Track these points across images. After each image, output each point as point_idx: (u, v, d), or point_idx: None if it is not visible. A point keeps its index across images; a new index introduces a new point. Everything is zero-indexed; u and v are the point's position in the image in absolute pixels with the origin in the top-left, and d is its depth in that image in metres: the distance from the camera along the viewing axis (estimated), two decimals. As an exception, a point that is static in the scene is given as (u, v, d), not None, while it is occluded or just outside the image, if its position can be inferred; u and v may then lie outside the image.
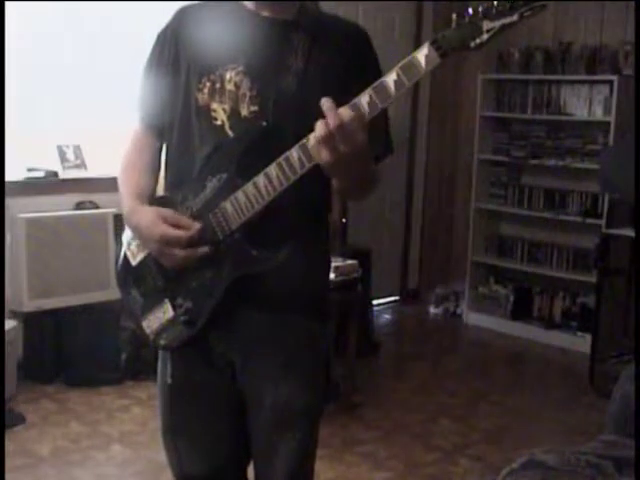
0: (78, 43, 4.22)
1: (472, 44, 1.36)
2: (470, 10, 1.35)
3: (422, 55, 1.37)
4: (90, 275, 4.17)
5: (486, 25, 1.34)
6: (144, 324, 1.72)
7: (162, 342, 1.71)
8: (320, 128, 1.38)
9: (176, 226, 1.58)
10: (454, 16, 1.36)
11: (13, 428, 3.54)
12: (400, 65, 1.39)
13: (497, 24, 1.34)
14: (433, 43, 1.36)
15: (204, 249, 1.58)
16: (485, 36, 1.35)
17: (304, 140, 1.47)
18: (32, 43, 4.09)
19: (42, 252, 4.05)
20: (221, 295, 1.61)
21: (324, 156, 1.40)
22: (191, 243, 1.58)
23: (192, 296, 1.64)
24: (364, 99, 1.42)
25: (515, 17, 1.33)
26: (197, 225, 1.58)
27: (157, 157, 1.78)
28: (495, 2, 1.33)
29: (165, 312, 1.68)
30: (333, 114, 1.37)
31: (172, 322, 1.68)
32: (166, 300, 1.68)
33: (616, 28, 5.11)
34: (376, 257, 5.29)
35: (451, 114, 6.15)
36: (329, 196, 1.77)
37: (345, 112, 1.38)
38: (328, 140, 1.38)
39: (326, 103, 1.38)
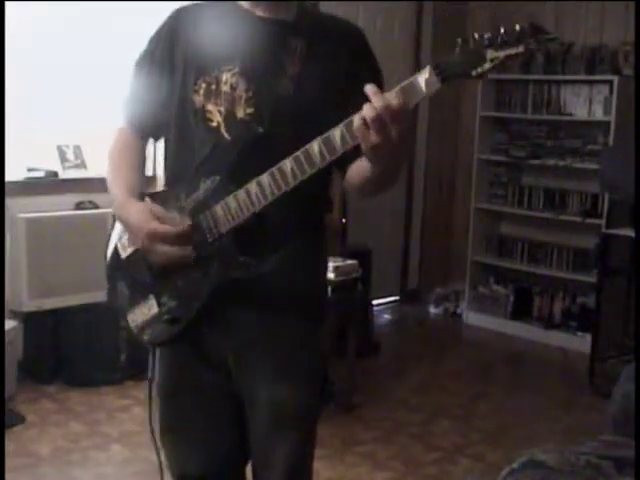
0: (78, 43, 4.21)
1: (474, 72, 1.33)
2: (476, 36, 1.31)
3: (423, 79, 1.35)
4: (90, 275, 4.16)
5: (490, 54, 1.31)
6: (129, 317, 1.73)
7: (145, 337, 1.72)
8: (369, 110, 1.35)
9: (164, 221, 1.58)
10: (459, 41, 1.33)
11: (13, 428, 3.54)
12: (401, 86, 1.37)
13: (501, 54, 1.30)
14: (435, 68, 1.34)
15: (189, 250, 1.57)
16: (487, 65, 1.31)
17: (297, 152, 1.46)
18: (32, 43, 4.09)
19: (42, 252, 4.05)
20: (207, 298, 1.61)
21: (373, 139, 1.36)
22: (179, 241, 1.57)
23: (177, 295, 1.64)
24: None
25: (521, 49, 1.29)
26: (186, 222, 1.58)
27: (142, 156, 1.79)
28: (502, 30, 1.29)
29: (150, 308, 1.69)
30: (379, 97, 1.35)
31: (156, 319, 1.68)
32: (152, 296, 1.68)
33: (616, 28, 5.10)
34: (376, 257, 5.29)
35: (451, 114, 6.15)
36: (327, 199, 1.77)
37: (390, 96, 1.36)
38: (377, 122, 1.35)
39: (371, 88, 1.36)
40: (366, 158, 1.45)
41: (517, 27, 1.29)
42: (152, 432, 1.79)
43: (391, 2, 5.68)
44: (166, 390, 1.79)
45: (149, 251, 1.61)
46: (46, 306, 4.08)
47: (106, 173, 1.75)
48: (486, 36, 1.31)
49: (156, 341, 1.71)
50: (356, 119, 1.38)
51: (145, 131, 1.76)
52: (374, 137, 1.36)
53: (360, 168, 1.57)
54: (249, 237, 1.57)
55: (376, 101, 1.34)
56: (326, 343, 1.82)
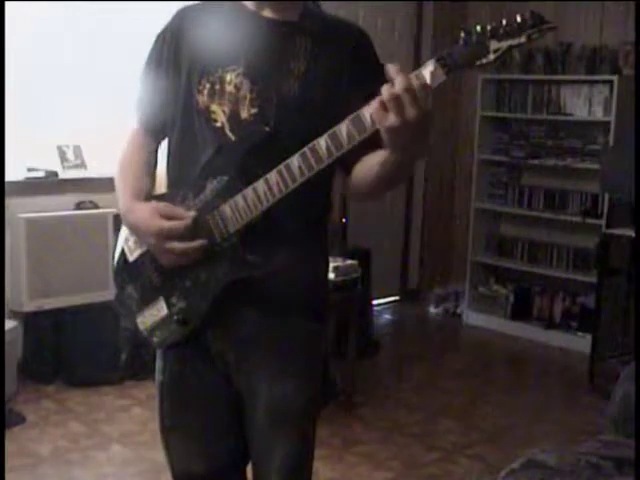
0: (78, 43, 4.22)
1: (477, 63, 1.35)
2: (478, 28, 1.34)
3: (428, 71, 1.36)
4: (90, 275, 4.17)
5: (493, 45, 1.33)
6: (138, 320, 1.73)
7: (155, 339, 1.72)
8: (387, 91, 1.34)
9: (171, 218, 1.59)
10: (462, 33, 1.35)
11: (13, 428, 3.54)
12: None
13: (504, 45, 1.33)
14: (439, 60, 1.35)
15: (200, 241, 1.57)
16: (492, 56, 1.34)
17: (304, 149, 1.46)
18: (32, 43, 4.09)
19: (42, 252, 4.05)
20: (215, 297, 1.61)
21: (390, 120, 1.35)
22: (187, 234, 1.57)
23: (186, 296, 1.65)
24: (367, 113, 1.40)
25: (523, 39, 1.32)
26: (191, 214, 1.58)
27: (153, 157, 1.79)
28: (503, 22, 1.32)
29: (160, 310, 1.69)
30: (402, 76, 1.34)
31: (166, 320, 1.68)
32: (161, 298, 1.68)
33: (616, 28, 5.11)
34: (376, 257, 5.29)
35: (451, 114, 6.15)
36: (329, 199, 1.77)
37: (413, 77, 1.36)
38: (396, 102, 1.34)
39: (392, 68, 1.35)
40: (385, 144, 1.43)
41: (518, 18, 1.32)
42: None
43: (391, 2, 5.68)
44: (168, 389, 1.78)
45: (159, 250, 1.61)
46: (46, 306, 4.08)
47: (115, 178, 1.74)
48: (488, 27, 1.33)
49: (166, 343, 1.72)
50: (374, 102, 1.37)
51: (157, 132, 1.76)
52: (391, 118, 1.35)
53: (370, 164, 1.55)
54: (255, 237, 1.57)
55: (399, 80, 1.33)
56: (327, 343, 1.82)
